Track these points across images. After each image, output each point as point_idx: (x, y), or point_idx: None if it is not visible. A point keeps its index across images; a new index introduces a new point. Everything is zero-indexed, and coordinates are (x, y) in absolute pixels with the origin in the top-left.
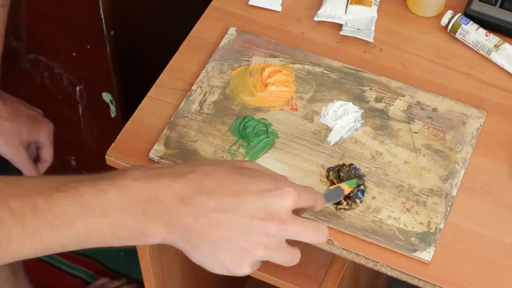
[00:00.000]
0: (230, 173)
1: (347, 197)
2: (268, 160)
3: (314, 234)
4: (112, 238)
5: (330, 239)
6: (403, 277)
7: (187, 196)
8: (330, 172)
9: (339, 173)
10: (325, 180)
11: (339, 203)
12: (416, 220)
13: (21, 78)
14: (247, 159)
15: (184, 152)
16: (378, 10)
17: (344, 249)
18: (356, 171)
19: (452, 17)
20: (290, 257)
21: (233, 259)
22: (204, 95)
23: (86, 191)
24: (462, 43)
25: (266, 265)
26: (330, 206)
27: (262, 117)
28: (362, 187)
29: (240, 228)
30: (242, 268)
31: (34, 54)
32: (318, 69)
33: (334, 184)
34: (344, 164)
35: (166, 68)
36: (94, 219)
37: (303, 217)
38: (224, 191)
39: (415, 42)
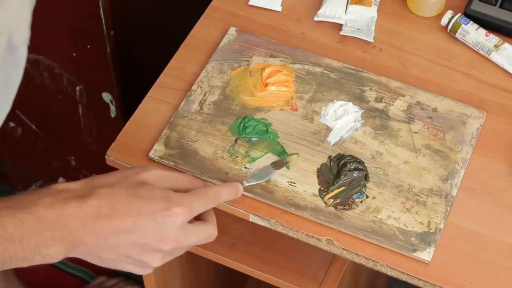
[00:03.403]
0: (126, 195)
1: (347, 198)
2: (268, 161)
3: (206, 238)
4: (23, 261)
5: (330, 239)
6: (403, 277)
7: (89, 223)
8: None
9: (340, 160)
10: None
11: (345, 204)
12: (416, 220)
13: (21, 78)
14: (247, 159)
15: (184, 152)
16: (378, 10)
17: (344, 249)
18: (358, 165)
19: (452, 17)
20: (187, 250)
21: (135, 268)
22: (204, 95)
23: (7, 222)
24: (462, 43)
25: (266, 265)
26: (330, 206)
27: (262, 117)
28: (363, 188)
29: (137, 247)
30: (144, 273)
31: (34, 54)
32: (318, 69)
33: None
34: (347, 155)
35: (166, 68)
36: (12, 245)
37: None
38: (120, 214)
39: (415, 42)
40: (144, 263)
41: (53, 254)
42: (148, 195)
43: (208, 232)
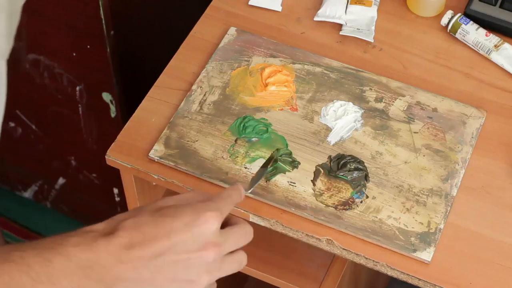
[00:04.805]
0: (152, 219)
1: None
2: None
3: (244, 238)
4: None
5: (330, 239)
6: (403, 277)
7: (123, 255)
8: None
9: (340, 160)
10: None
11: (346, 204)
12: (416, 220)
13: (21, 78)
14: (247, 159)
15: (184, 152)
16: (378, 10)
17: (344, 249)
18: (358, 165)
19: (452, 17)
20: (236, 265)
21: None
22: (204, 95)
23: (33, 261)
24: (462, 43)
25: (266, 265)
26: (330, 206)
27: (262, 117)
28: (363, 188)
29: (180, 265)
30: None
31: (34, 54)
32: (318, 69)
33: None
34: (347, 155)
35: (166, 68)
36: (41, 286)
37: (230, 222)
38: (153, 237)
39: (415, 42)
40: (192, 282)
41: None
42: (174, 211)
43: (243, 230)
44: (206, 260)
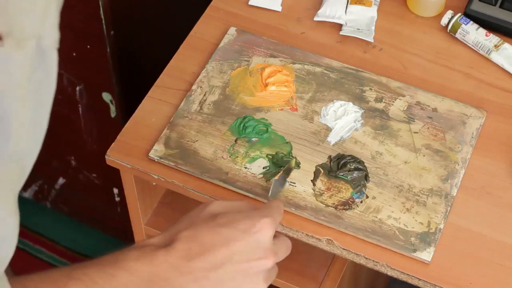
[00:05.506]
0: (208, 229)
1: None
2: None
3: (289, 246)
4: None
5: (330, 239)
6: (403, 277)
7: (183, 266)
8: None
9: (340, 160)
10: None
11: (346, 204)
12: (416, 220)
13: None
14: (247, 159)
15: (184, 152)
16: (378, 10)
17: (344, 249)
18: (358, 165)
19: (452, 17)
20: (275, 275)
21: None
22: (204, 95)
23: (97, 276)
24: (462, 43)
25: None
26: (330, 206)
27: (262, 117)
28: (363, 188)
29: (241, 275)
30: None
31: None
32: (318, 69)
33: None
34: (347, 155)
35: (166, 68)
36: None
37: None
38: (212, 248)
39: (415, 42)
40: None
41: None
42: (229, 220)
43: (288, 241)
44: (266, 267)
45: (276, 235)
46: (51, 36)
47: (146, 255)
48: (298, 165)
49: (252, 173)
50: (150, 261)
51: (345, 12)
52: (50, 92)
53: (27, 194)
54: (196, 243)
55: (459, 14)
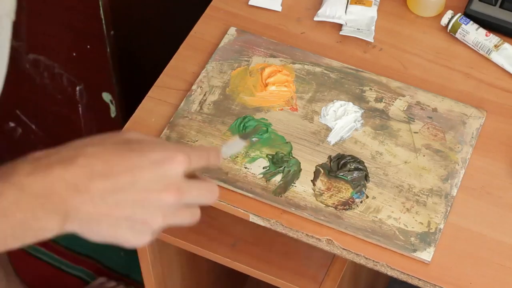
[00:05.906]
0: (118, 150)
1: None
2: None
3: (209, 195)
4: (14, 240)
5: (330, 239)
6: (403, 277)
7: (81, 184)
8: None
9: (340, 160)
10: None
11: (346, 204)
12: (416, 220)
13: (21, 78)
14: (247, 159)
15: None
16: (378, 10)
17: (344, 249)
18: (358, 165)
19: (452, 17)
20: (189, 218)
21: (134, 234)
22: (204, 95)
23: None
24: (462, 43)
25: (266, 265)
26: (330, 206)
27: (262, 117)
28: (363, 188)
29: (139, 204)
30: (143, 240)
31: (34, 54)
32: (318, 69)
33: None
34: (347, 155)
35: (166, 68)
36: None
37: (198, 178)
38: (117, 171)
39: (415, 42)
40: (146, 224)
41: (47, 227)
42: (142, 148)
43: (210, 187)
44: (165, 202)
45: (203, 179)
46: (5, 6)
47: (41, 169)
48: (264, 132)
49: (252, 173)
50: (44, 176)
51: (345, 12)
52: (3, 59)
53: None
54: (100, 161)
55: (459, 14)
